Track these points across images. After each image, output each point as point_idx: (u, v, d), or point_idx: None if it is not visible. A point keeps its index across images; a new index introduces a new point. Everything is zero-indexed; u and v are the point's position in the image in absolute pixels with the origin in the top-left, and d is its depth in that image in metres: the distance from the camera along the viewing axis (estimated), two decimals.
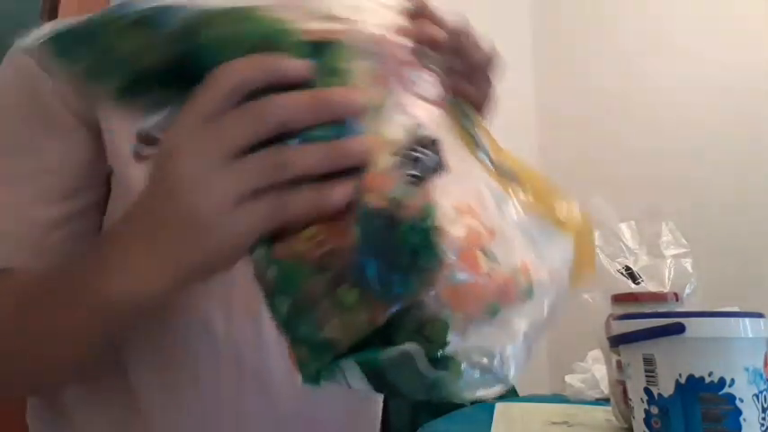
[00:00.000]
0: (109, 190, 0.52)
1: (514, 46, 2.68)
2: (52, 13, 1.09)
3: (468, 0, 2.54)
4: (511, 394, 1.13)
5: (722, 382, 0.60)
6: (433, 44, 0.40)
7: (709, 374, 0.60)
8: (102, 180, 0.52)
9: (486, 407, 0.93)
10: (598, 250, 0.93)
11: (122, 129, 0.51)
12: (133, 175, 0.49)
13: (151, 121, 0.38)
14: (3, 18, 2.95)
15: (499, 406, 0.96)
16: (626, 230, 0.96)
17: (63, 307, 0.37)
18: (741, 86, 2.06)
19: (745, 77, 2.05)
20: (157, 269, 0.32)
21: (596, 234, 0.95)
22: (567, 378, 1.11)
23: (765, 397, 0.62)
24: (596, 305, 0.90)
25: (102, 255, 0.36)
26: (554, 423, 0.88)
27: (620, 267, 0.91)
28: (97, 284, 0.35)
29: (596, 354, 1.13)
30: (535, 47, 2.74)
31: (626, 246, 0.94)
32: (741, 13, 2.10)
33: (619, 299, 0.87)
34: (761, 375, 0.62)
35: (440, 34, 0.41)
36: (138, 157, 0.50)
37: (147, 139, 0.50)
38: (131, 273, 0.33)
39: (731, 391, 0.59)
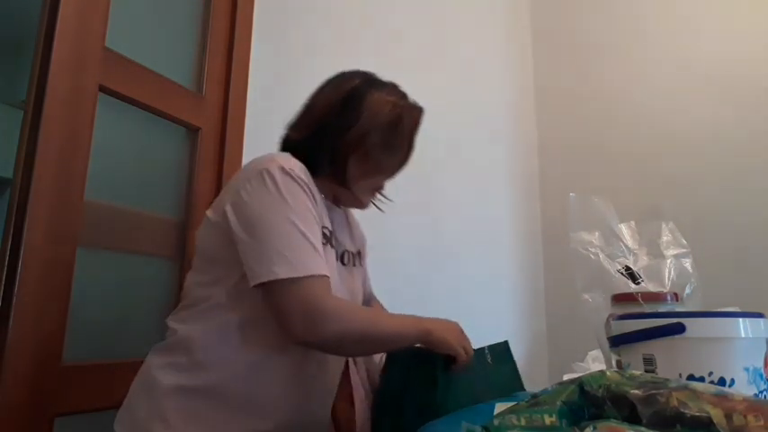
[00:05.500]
0: None
1: (516, 48, 2.68)
2: (52, 13, 1.09)
3: (472, 9, 2.54)
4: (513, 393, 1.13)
5: (722, 382, 0.60)
6: None
7: (710, 374, 0.61)
8: None
9: (485, 407, 0.93)
10: (598, 250, 0.93)
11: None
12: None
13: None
14: (3, 17, 2.94)
15: (499, 406, 0.96)
16: (626, 230, 0.96)
17: (404, 335, 0.94)
18: (741, 88, 2.06)
19: (745, 79, 2.05)
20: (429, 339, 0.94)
21: (596, 234, 0.95)
22: (567, 378, 1.11)
23: (765, 397, 0.62)
24: (596, 305, 0.90)
25: (425, 324, 0.95)
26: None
27: (620, 267, 0.91)
28: (421, 330, 0.94)
29: (596, 354, 1.13)
30: (536, 49, 2.75)
31: (626, 246, 0.94)
32: (742, 15, 2.10)
33: (619, 299, 0.87)
34: (761, 375, 0.62)
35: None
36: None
37: (324, 234, 0.92)
38: (435, 333, 0.94)
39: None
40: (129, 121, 1.30)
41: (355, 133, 0.96)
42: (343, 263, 1.02)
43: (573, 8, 2.66)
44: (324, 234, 0.93)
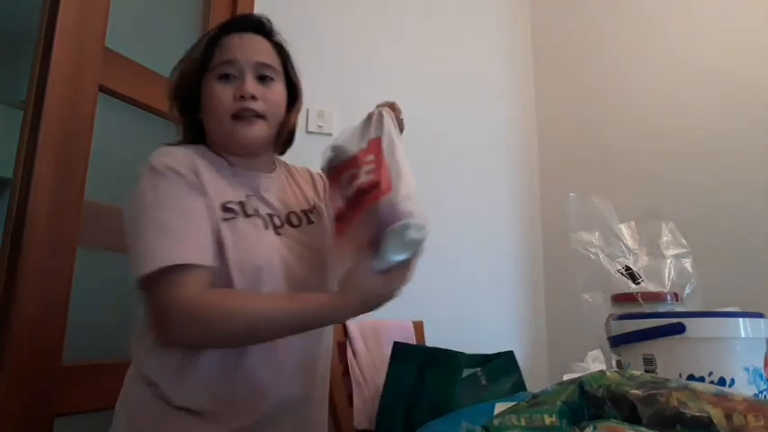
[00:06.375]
0: None
1: (516, 50, 2.68)
2: (52, 13, 1.09)
3: (472, 9, 2.53)
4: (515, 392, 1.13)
5: (722, 382, 0.60)
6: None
7: (709, 374, 0.61)
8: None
9: (486, 407, 0.93)
10: (598, 250, 0.93)
11: (214, 200, 0.88)
12: (222, 226, 0.86)
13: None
14: (3, 17, 2.94)
15: (499, 406, 0.96)
16: (626, 230, 0.96)
17: (309, 318, 0.81)
18: (740, 89, 2.06)
19: (744, 80, 2.05)
20: (354, 304, 0.80)
21: (596, 234, 0.95)
22: (567, 378, 1.11)
23: (765, 397, 0.62)
24: (596, 305, 0.90)
25: (337, 304, 0.80)
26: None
27: (620, 267, 0.91)
28: (334, 316, 0.84)
29: (596, 354, 1.13)
30: (536, 50, 2.74)
31: (626, 246, 0.94)
32: (740, 18, 2.10)
33: (619, 299, 0.87)
34: (761, 375, 0.62)
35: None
36: (223, 219, 0.87)
37: (225, 208, 0.88)
38: (350, 314, 0.82)
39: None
40: (129, 121, 1.30)
41: (176, 79, 0.97)
42: (292, 225, 0.96)
43: (573, 10, 2.66)
44: (228, 208, 0.88)
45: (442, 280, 2.02)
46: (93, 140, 1.15)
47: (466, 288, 2.14)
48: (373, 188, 0.80)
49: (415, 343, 1.59)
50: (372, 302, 0.80)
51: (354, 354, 1.42)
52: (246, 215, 0.90)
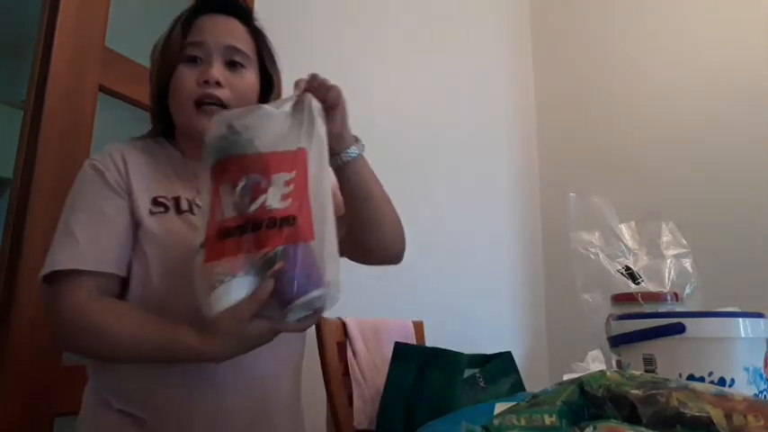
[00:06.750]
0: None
1: (516, 49, 2.68)
2: (52, 13, 1.09)
3: (472, 9, 2.53)
4: (516, 391, 1.13)
5: (722, 382, 0.60)
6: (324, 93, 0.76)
7: (710, 374, 0.61)
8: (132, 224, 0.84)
9: (486, 407, 0.93)
10: (598, 250, 0.93)
11: (142, 196, 0.84)
12: (148, 222, 0.82)
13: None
14: (3, 17, 2.94)
15: (499, 406, 0.96)
16: (626, 230, 0.96)
17: (173, 356, 0.75)
18: (742, 89, 2.06)
19: (746, 80, 2.05)
20: (228, 356, 0.71)
21: (596, 234, 0.95)
22: (567, 378, 1.11)
23: (765, 397, 0.62)
24: (596, 305, 0.90)
25: (204, 349, 0.70)
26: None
27: (620, 267, 0.91)
28: (203, 355, 0.72)
29: (596, 354, 1.13)
30: (535, 47, 2.75)
31: (626, 246, 0.94)
32: (744, 15, 2.10)
33: (619, 299, 0.87)
34: (761, 375, 0.62)
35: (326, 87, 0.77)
36: (151, 213, 0.83)
37: (155, 203, 0.84)
38: (217, 359, 0.72)
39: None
40: (129, 121, 1.30)
41: (151, 65, 0.91)
42: None
43: (573, 10, 2.66)
44: (159, 203, 0.83)
45: (441, 280, 2.02)
46: (93, 140, 1.15)
47: (466, 288, 2.14)
48: (286, 224, 0.64)
49: (415, 343, 1.59)
50: (249, 348, 0.71)
51: (354, 354, 1.42)
52: (179, 211, 0.84)
